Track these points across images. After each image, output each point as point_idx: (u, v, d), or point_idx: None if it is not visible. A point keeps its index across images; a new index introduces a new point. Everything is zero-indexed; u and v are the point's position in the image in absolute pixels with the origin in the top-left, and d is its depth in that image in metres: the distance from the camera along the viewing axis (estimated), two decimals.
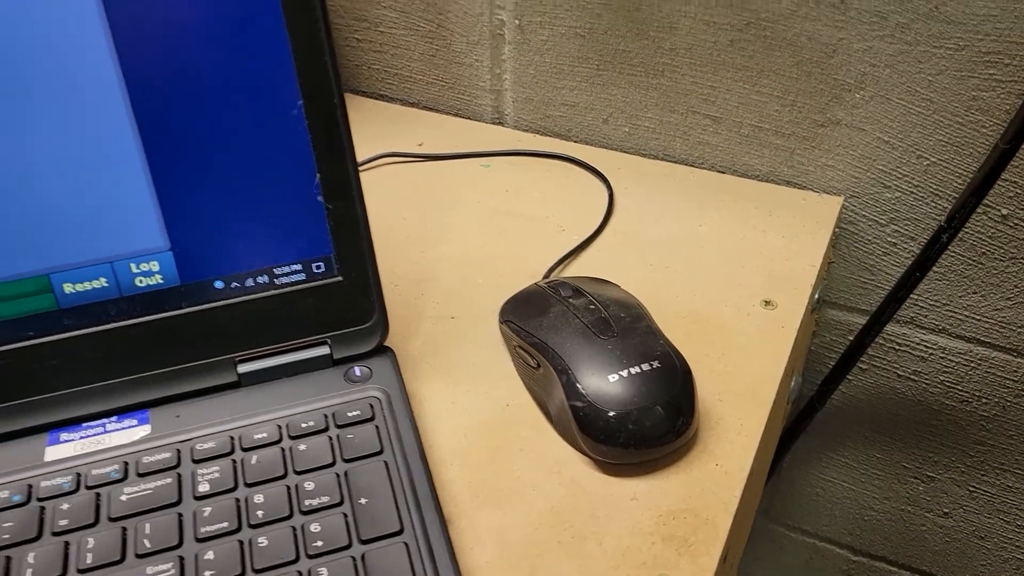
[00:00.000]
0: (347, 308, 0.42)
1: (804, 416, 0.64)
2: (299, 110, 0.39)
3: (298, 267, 0.41)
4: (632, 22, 0.55)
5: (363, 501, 0.36)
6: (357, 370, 0.42)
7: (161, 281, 0.40)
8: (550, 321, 0.42)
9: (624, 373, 0.39)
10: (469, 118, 0.65)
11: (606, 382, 0.38)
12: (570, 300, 0.43)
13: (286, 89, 0.38)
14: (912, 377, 0.61)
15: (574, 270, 0.50)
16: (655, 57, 0.56)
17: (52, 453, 0.39)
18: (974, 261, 0.54)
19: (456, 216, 0.55)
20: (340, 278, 0.42)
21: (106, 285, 0.39)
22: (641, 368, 0.39)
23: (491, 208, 0.55)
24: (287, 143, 0.39)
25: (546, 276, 0.50)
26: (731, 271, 0.50)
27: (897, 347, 0.60)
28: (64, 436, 0.39)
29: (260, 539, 0.35)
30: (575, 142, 0.62)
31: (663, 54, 0.55)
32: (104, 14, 0.35)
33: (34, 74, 0.35)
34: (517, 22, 0.59)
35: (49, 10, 0.35)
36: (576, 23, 0.57)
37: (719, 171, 0.59)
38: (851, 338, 0.61)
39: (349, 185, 0.40)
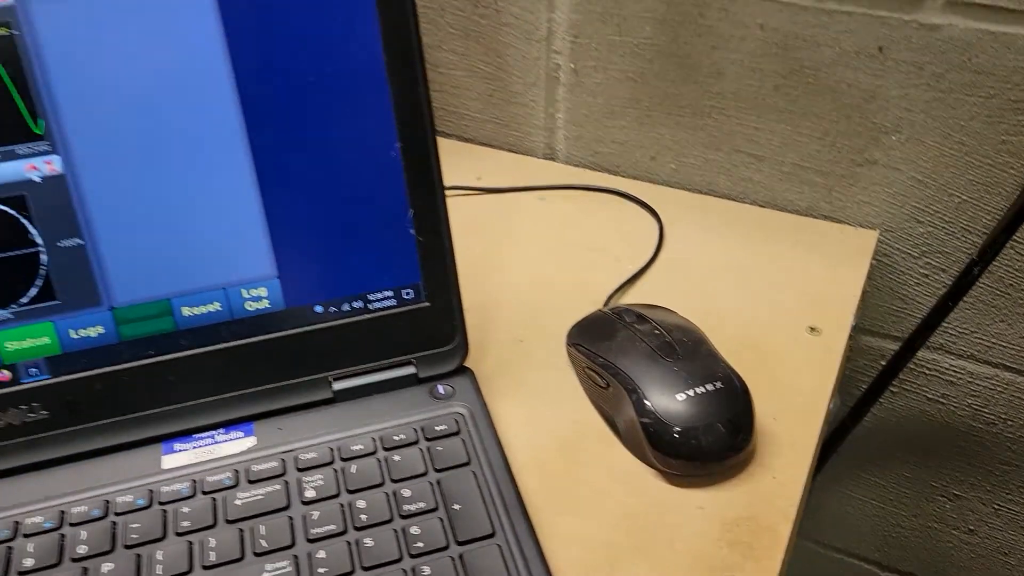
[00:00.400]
0: (432, 331, 0.46)
1: (837, 436, 0.67)
2: (396, 152, 0.43)
3: (390, 293, 0.45)
4: (682, 68, 0.59)
5: (456, 507, 0.40)
6: (441, 388, 0.46)
7: (268, 305, 0.43)
8: (618, 345, 0.46)
9: (690, 393, 0.42)
10: (522, 153, 0.69)
11: (674, 401, 0.42)
12: (635, 326, 0.46)
13: (386, 134, 0.42)
14: (941, 400, 0.64)
15: (631, 297, 0.54)
16: (703, 100, 0.60)
17: (168, 461, 0.42)
18: (1002, 292, 0.58)
19: (516, 246, 0.59)
20: (427, 304, 0.45)
21: (219, 309, 0.43)
22: (705, 388, 0.42)
23: (548, 238, 0.59)
24: (384, 182, 0.43)
25: (606, 303, 0.53)
26: (777, 299, 0.53)
27: (927, 372, 0.63)
28: (178, 446, 0.43)
29: (366, 540, 0.38)
30: (623, 176, 0.66)
31: (710, 97, 0.59)
32: (233, 76, 0.39)
33: (170, 126, 0.39)
34: (572, 66, 0.63)
35: (186, 72, 0.39)
36: (628, 68, 0.61)
37: (760, 205, 0.62)
38: (883, 363, 0.64)
39: (438, 219, 0.44)
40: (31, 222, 0.39)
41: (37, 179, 0.39)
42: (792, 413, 0.46)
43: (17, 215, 0.39)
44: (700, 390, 0.42)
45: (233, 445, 0.43)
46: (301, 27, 0.40)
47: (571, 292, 0.54)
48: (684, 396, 0.42)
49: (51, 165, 0.39)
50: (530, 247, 0.59)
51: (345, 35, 0.40)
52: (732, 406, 0.43)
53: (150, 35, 0.38)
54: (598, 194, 0.64)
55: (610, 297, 0.54)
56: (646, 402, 0.42)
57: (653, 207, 0.62)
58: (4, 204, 0.39)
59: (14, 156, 0.38)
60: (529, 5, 0.61)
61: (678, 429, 0.41)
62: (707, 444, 0.42)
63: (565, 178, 0.66)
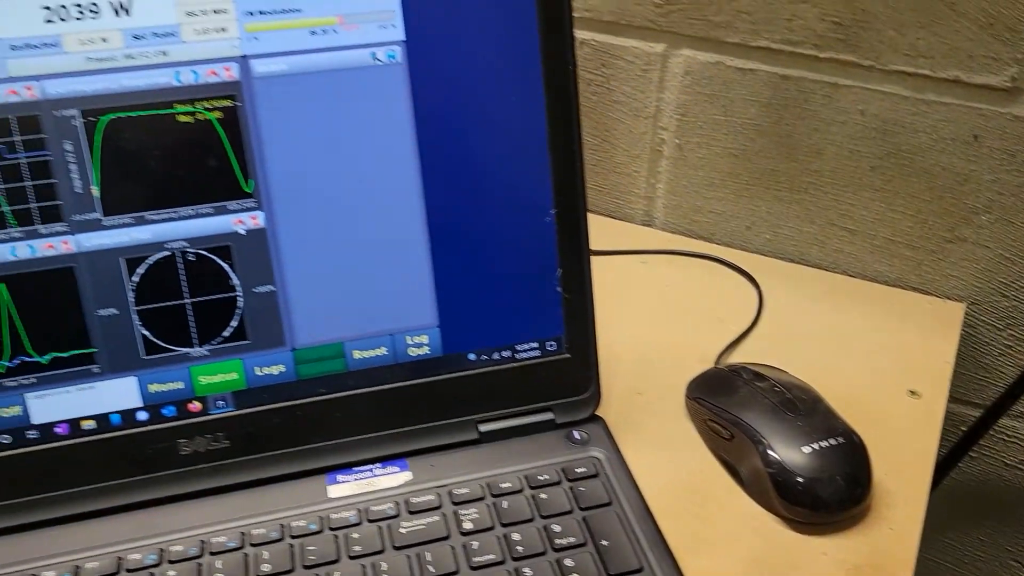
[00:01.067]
0: (570, 381, 0.49)
1: None
2: (551, 218, 0.47)
3: (535, 345, 0.49)
4: (782, 147, 0.63)
5: (604, 543, 0.43)
6: (577, 433, 0.49)
7: (428, 352, 0.47)
8: (740, 399, 0.49)
9: (815, 446, 0.46)
10: (621, 219, 0.73)
11: (799, 453, 0.45)
12: (755, 383, 0.50)
13: (543, 202, 0.47)
14: (1019, 466, 0.67)
15: (738, 357, 0.58)
16: (800, 176, 0.64)
17: (333, 491, 0.46)
18: None
19: (626, 305, 0.63)
20: (567, 355, 0.49)
21: (385, 353, 0.47)
22: (827, 443, 0.46)
23: (654, 299, 0.63)
24: (538, 244, 0.47)
25: (717, 361, 0.57)
26: (875, 363, 0.57)
27: (1006, 438, 0.66)
28: (341, 477, 0.47)
29: (525, 569, 0.42)
30: (717, 244, 0.70)
31: (808, 174, 0.64)
32: (417, 150, 0.44)
33: (358, 189, 0.44)
34: (677, 141, 0.67)
35: (376, 144, 0.44)
36: (731, 145, 0.65)
37: (850, 275, 0.66)
38: (964, 429, 0.67)
39: (583, 279, 0.48)
40: (233, 269, 0.44)
41: (242, 232, 0.43)
42: (901, 470, 0.49)
43: (222, 263, 0.43)
44: (823, 444, 0.46)
45: (391, 479, 0.47)
46: (478, 107, 0.45)
47: (680, 349, 0.58)
48: (809, 449, 0.45)
49: (255, 220, 0.43)
50: (638, 306, 0.62)
51: (516, 115, 0.45)
52: (852, 460, 0.46)
53: (348, 113, 0.43)
54: (697, 259, 0.68)
55: (720, 356, 0.57)
56: (772, 453, 0.46)
57: (750, 273, 0.66)
58: (212, 253, 0.43)
59: (225, 211, 0.43)
60: (640, 86, 0.66)
61: (803, 479, 0.45)
62: (829, 495, 0.45)
63: (663, 243, 0.70)
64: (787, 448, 0.46)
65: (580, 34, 0.66)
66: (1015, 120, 0.55)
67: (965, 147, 0.57)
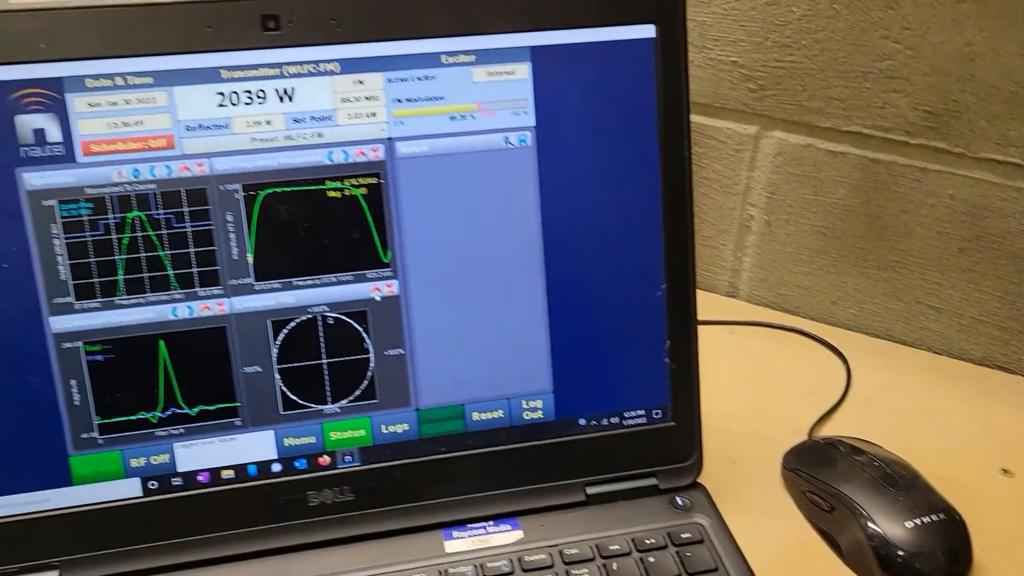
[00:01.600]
0: (674, 448, 0.51)
1: None
2: (662, 292, 0.49)
3: (642, 412, 0.51)
4: (871, 227, 0.65)
5: None
6: (680, 499, 0.51)
7: (541, 416, 0.50)
8: (840, 473, 0.51)
9: (917, 521, 0.47)
10: (706, 290, 0.76)
11: (902, 528, 0.47)
12: (853, 456, 0.51)
13: (655, 278, 0.49)
14: None
15: (829, 430, 0.59)
16: (888, 255, 0.66)
17: (450, 547, 0.48)
18: None
19: (715, 374, 0.64)
20: (673, 423, 0.51)
21: (502, 416, 0.49)
22: (929, 518, 0.47)
23: (743, 369, 0.65)
24: (648, 317, 0.49)
25: (809, 433, 0.58)
26: (966, 441, 0.58)
27: None
28: (456, 533, 0.49)
29: None
30: (802, 317, 0.72)
31: (896, 254, 0.66)
32: (541, 232, 0.47)
33: (486, 264, 0.47)
34: (766, 218, 0.70)
35: (504, 224, 0.47)
36: (820, 223, 0.67)
37: (936, 352, 0.67)
38: None
39: (690, 350, 0.50)
40: (367, 333, 0.47)
41: (378, 298, 0.46)
42: (999, 549, 0.50)
43: (358, 327, 0.47)
44: (924, 520, 0.47)
45: (503, 536, 0.49)
46: (599, 188, 0.48)
47: (771, 420, 0.60)
48: (911, 524, 0.47)
49: (390, 287, 0.46)
50: (727, 376, 0.64)
51: (633, 196, 0.48)
52: (953, 537, 0.47)
53: (480, 191, 0.46)
54: (783, 332, 0.70)
55: (812, 428, 0.59)
56: (874, 527, 0.47)
57: (837, 348, 0.67)
58: (350, 317, 0.46)
59: (364, 279, 0.46)
60: (731, 164, 0.69)
61: (904, 553, 0.46)
62: (931, 570, 0.46)
63: (748, 315, 0.72)
64: (889, 522, 0.47)
65: None
66: None
67: None
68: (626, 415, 0.51)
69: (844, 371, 0.65)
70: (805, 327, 0.70)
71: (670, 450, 0.51)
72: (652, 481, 0.51)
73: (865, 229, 0.66)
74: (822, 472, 0.51)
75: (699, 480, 0.52)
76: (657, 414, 0.51)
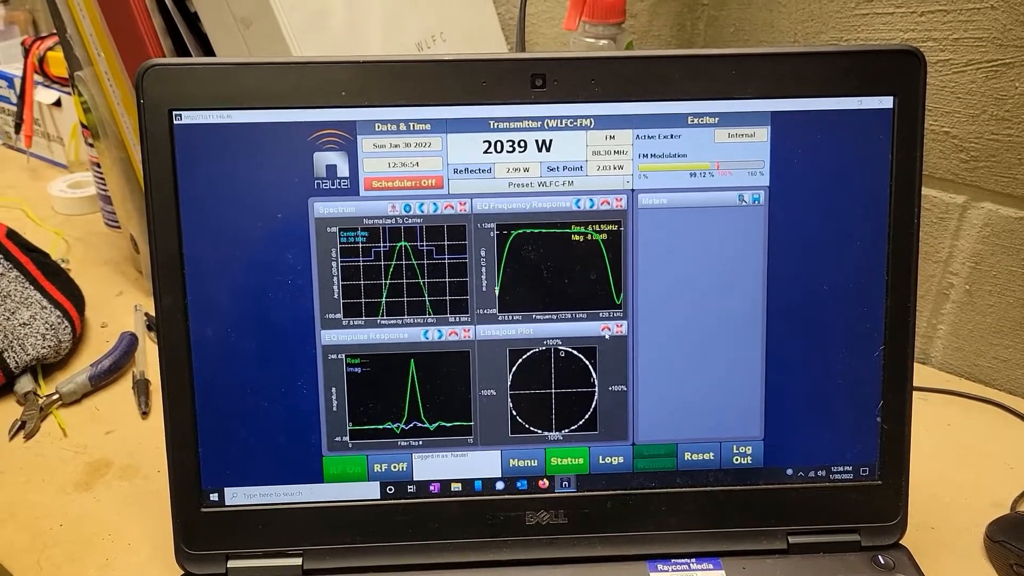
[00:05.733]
0: (879, 506, 0.51)
1: None
2: (880, 353, 0.49)
3: (849, 468, 0.51)
4: None
5: None
6: (882, 558, 0.50)
7: (750, 462, 0.50)
8: None
9: None
10: None
11: None
12: None
13: (875, 338, 0.49)
14: None
15: None
16: None
17: None
18: None
19: (913, 440, 0.63)
20: (879, 482, 0.51)
21: (712, 458, 0.50)
22: None
23: (939, 437, 0.63)
24: (865, 376, 0.50)
25: (1012, 507, 0.57)
26: None
27: None
28: (661, 566, 0.50)
29: None
30: (997, 389, 0.69)
31: None
32: (765, 285, 0.48)
33: (710, 311, 0.48)
34: (967, 287, 0.68)
35: (732, 276, 0.48)
36: (1022, 303, 0.65)
37: None
38: None
39: (904, 412, 0.50)
40: (595, 368, 0.49)
41: (607, 337, 0.49)
42: None
43: (587, 362, 0.49)
44: None
45: (706, 574, 0.49)
46: (826, 249, 0.48)
47: (971, 490, 0.58)
48: None
49: (620, 328, 0.48)
50: (923, 442, 0.63)
51: (859, 258, 0.48)
52: None
53: (712, 243, 0.48)
54: (978, 403, 0.68)
55: (1015, 501, 0.57)
56: None
57: None
58: (580, 352, 0.49)
59: (596, 318, 0.48)
60: (934, 232, 0.68)
61: None
62: None
63: (940, 382, 0.70)
64: None
65: None
66: None
67: None
68: (834, 469, 0.51)
69: None
70: (1001, 399, 0.68)
71: (875, 508, 0.51)
72: (855, 537, 0.51)
73: None
74: None
75: (901, 542, 0.52)
76: (864, 471, 0.51)
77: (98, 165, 0.86)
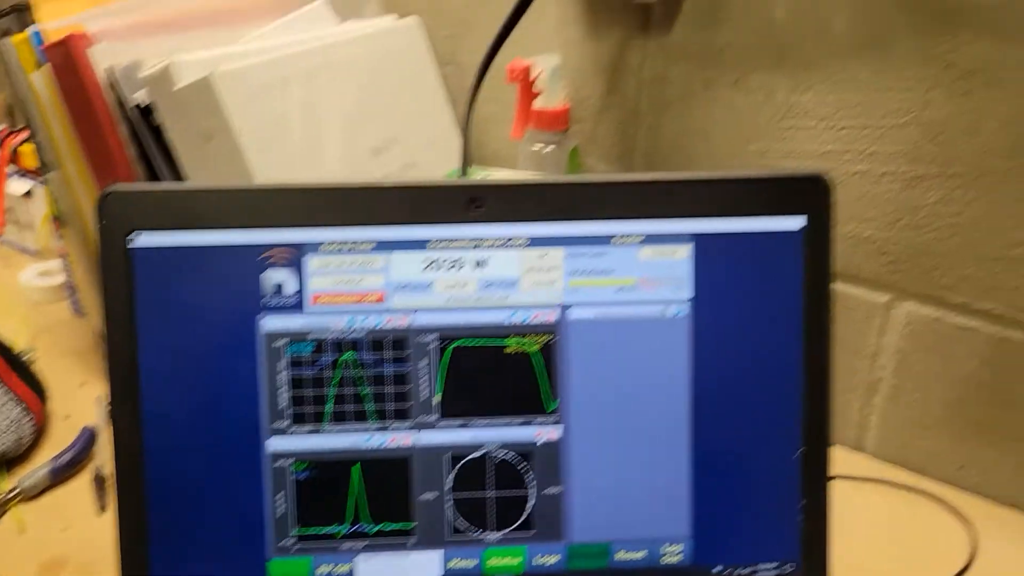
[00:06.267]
0: None
1: None
2: (799, 455, 0.52)
3: (774, 565, 0.53)
4: (1000, 401, 0.66)
5: None
6: None
7: (680, 559, 0.52)
8: None
9: None
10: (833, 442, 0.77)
11: None
12: None
13: (793, 440, 0.52)
14: None
15: None
16: (1017, 428, 0.66)
17: None
18: None
19: (839, 528, 0.66)
20: None
21: (643, 556, 0.52)
22: None
23: (867, 526, 0.66)
24: (785, 476, 0.52)
25: None
26: None
27: None
28: None
29: None
30: (929, 477, 0.72)
31: None
32: (691, 390, 0.51)
33: (639, 416, 0.51)
34: (894, 383, 0.71)
35: (658, 383, 0.51)
36: (947, 394, 0.69)
37: None
38: None
39: (822, 510, 0.52)
40: (531, 472, 0.51)
41: (542, 442, 0.51)
42: None
43: (523, 466, 0.51)
44: None
45: None
46: (746, 356, 0.51)
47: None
48: None
49: (553, 433, 0.51)
50: (849, 531, 0.65)
51: (776, 365, 0.51)
52: None
53: (638, 354, 0.51)
54: (907, 492, 0.70)
55: None
56: None
57: (962, 513, 0.67)
58: (517, 457, 0.51)
59: (531, 424, 0.51)
60: (862, 328, 0.72)
61: None
62: None
63: (875, 470, 0.73)
64: None
65: None
66: None
67: None
68: (759, 568, 0.53)
69: (969, 538, 0.65)
70: (931, 488, 0.70)
71: None
72: None
73: (994, 403, 0.67)
74: None
75: None
76: (788, 567, 0.53)
77: (66, 255, 0.89)
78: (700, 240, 0.51)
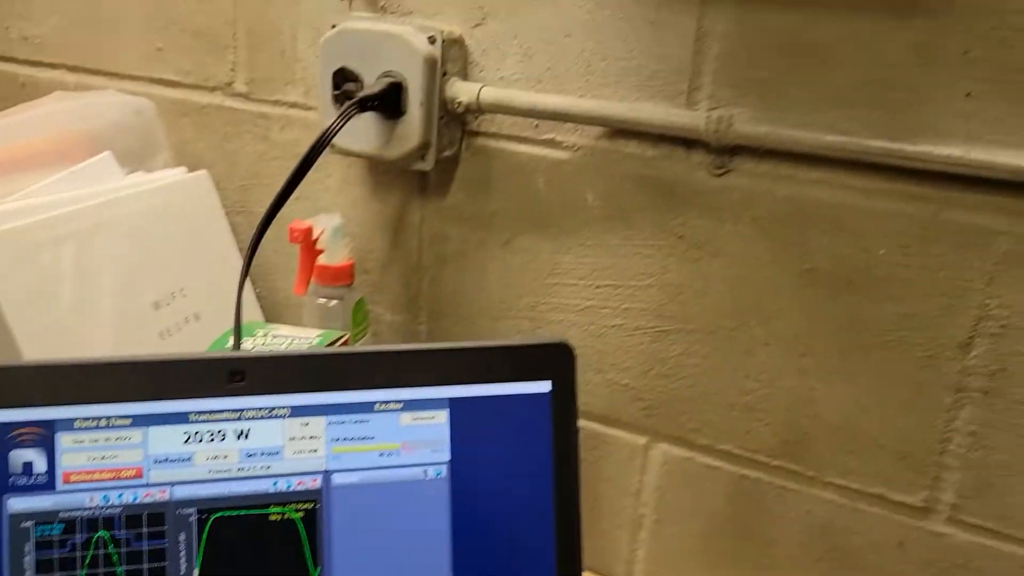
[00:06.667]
0: None
1: None
2: None
3: None
4: (743, 534, 0.73)
5: None
6: None
7: None
8: None
9: None
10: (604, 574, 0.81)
11: None
12: None
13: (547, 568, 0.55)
14: None
15: None
16: (759, 559, 0.73)
17: None
18: None
19: None
20: None
21: None
22: None
23: None
24: None
25: None
26: None
27: None
28: None
29: None
30: None
31: (765, 558, 0.72)
32: (451, 549, 0.53)
33: (402, 573, 0.53)
34: (656, 518, 0.77)
35: (418, 544, 0.53)
36: (701, 526, 0.75)
37: None
38: None
39: None
40: None
41: None
42: None
43: None
44: None
45: None
46: (501, 509, 0.54)
47: None
48: None
49: None
50: None
51: (529, 515, 0.55)
52: None
53: (401, 513, 0.53)
54: None
55: None
56: None
57: None
58: None
59: None
60: (625, 468, 0.77)
61: None
62: None
63: None
64: None
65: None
66: (931, 535, 0.65)
67: (893, 551, 0.67)
68: None
69: None
70: None
71: None
72: None
73: (738, 535, 0.73)
74: None
75: None
76: None
77: None
78: (456, 405, 0.54)
